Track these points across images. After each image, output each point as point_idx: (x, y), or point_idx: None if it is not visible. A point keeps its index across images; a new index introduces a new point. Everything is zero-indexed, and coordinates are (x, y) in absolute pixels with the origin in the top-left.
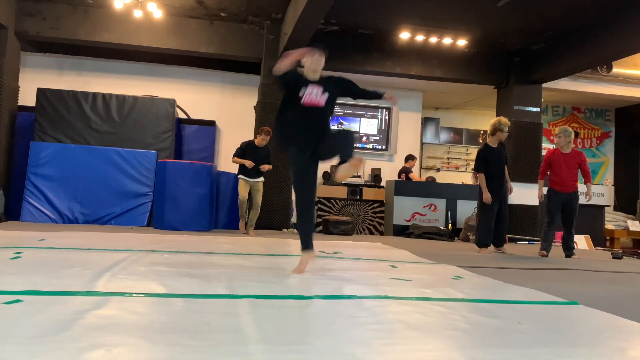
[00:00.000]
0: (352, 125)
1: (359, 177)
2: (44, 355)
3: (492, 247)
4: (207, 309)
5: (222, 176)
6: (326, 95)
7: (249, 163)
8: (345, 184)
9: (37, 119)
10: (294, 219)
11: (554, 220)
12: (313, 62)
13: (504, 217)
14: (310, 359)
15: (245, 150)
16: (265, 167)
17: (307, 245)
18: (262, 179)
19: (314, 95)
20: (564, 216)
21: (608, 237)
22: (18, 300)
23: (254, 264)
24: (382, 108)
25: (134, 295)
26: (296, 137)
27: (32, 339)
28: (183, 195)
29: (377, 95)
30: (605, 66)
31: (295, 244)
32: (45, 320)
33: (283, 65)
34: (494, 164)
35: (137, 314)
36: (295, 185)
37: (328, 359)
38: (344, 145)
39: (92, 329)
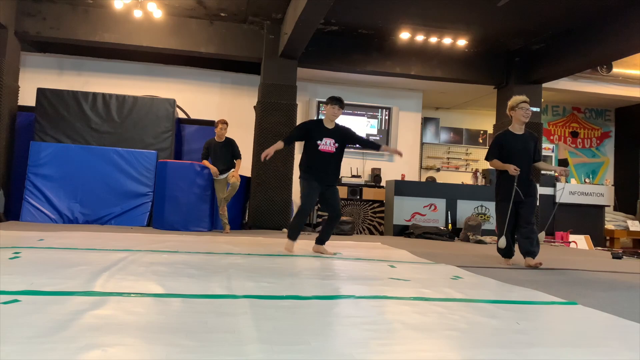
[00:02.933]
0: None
1: (359, 177)
2: (40, 355)
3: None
4: (205, 309)
5: None
6: (337, 145)
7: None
8: (345, 184)
9: (37, 119)
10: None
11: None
12: (331, 114)
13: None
14: (307, 359)
15: (208, 149)
16: (234, 176)
17: (293, 237)
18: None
19: (328, 145)
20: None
21: (608, 237)
22: (16, 300)
23: (252, 264)
24: (382, 108)
25: (132, 295)
26: (315, 173)
27: (30, 339)
28: (183, 195)
29: (375, 147)
30: (605, 66)
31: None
32: (43, 320)
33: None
34: (513, 154)
35: (134, 314)
36: (304, 203)
37: (326, 359)
38: (329, 227)
39: (89, 329)
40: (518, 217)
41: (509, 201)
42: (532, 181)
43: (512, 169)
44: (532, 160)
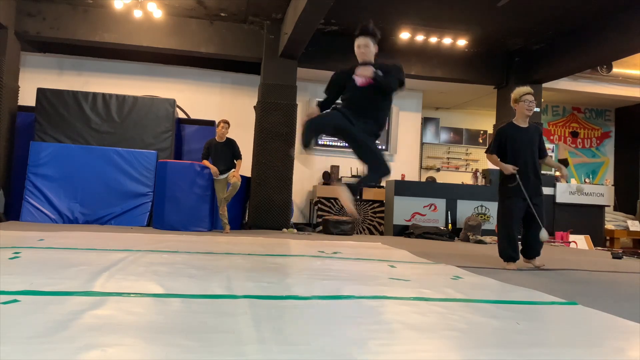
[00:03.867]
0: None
1: (358, 177)
2: (40, 355)
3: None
4: (204, 309)
5: None
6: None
7: (214, 171)
8: (345, 184)
9: (37, 119)
10: (293, 219)
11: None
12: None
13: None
14: (307, 359)
15: (208, 150)
16: (234, 176)
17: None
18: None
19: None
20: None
21: (608, 237)
22: (15, 301)
23: (253, 264)
24: None
25: (132, 295)
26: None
27: (29, 339)
28: (183, 195)
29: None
30: (605, 66)
31: (294, 243)
32: (42, 320)
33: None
34: (517, 149)
35: (134, 314)
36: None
37: (326, 359)
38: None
39: (88, 329)
40: (528, 218)
41: (516, 198)
42: (540, 179)
43: (511, 169)
44: (538, 156)
